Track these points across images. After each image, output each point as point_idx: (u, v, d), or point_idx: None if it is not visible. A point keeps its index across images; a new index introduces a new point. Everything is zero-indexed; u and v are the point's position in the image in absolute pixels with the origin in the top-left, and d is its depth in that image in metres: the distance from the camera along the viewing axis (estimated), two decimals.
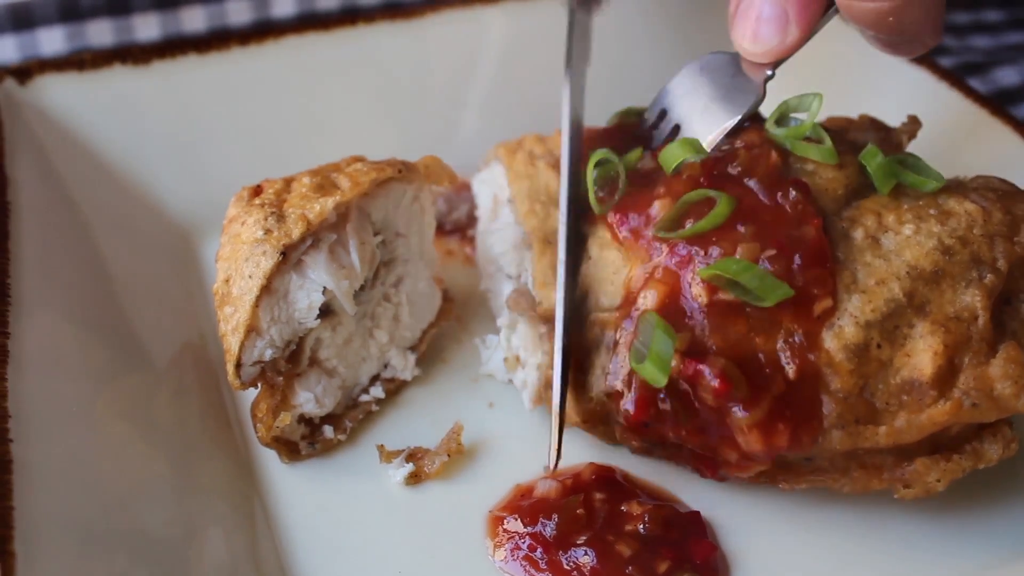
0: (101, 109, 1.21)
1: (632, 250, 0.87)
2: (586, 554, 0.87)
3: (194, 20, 1.45)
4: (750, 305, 0.82)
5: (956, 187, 0.91)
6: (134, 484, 0.87)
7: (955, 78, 1.23)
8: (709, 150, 0.94)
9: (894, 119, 1.05)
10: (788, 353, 0.81)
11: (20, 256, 0.96)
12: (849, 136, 1.00)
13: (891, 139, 1.00)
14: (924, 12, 0.87)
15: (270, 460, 0.99)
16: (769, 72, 0.97)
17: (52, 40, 1.40)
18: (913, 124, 1.03)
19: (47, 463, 0.80)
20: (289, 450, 0.98)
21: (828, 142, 0.90)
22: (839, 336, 0.82)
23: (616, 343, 0.86)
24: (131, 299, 1.08)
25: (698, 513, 0.93)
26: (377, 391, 1.05)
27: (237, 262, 0.93)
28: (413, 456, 0.98)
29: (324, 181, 0.98)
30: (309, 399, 0.98)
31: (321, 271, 0.94)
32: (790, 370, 0.81)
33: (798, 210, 0.85)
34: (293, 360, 0.97)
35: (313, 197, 0.95)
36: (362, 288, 1.01)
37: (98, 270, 1.07)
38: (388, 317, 1.05)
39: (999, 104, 1.20)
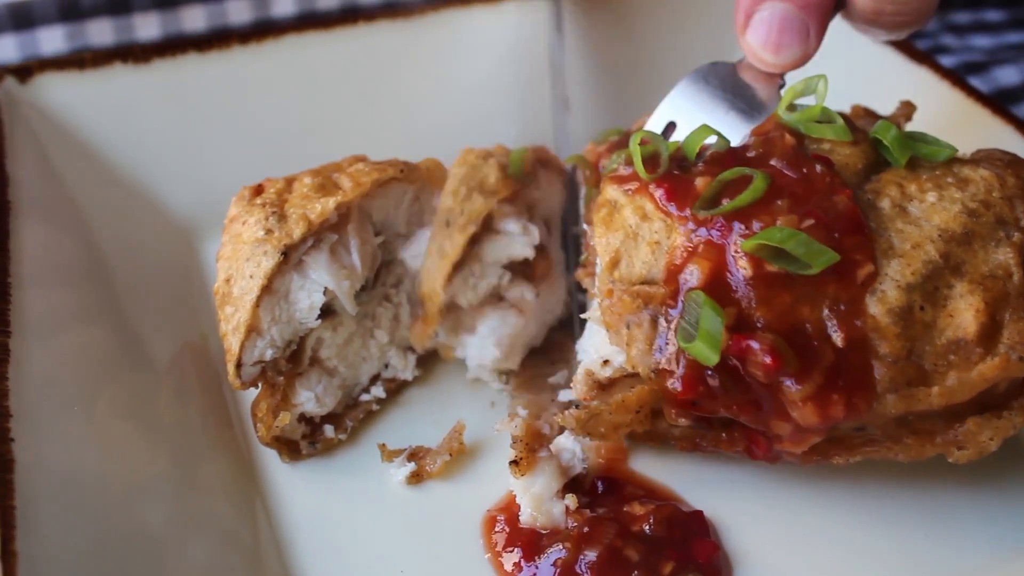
0: (101, 108, 1.21)
1: (676, 221, 0.86)
2: (592, 555, 0.86)
3: (194, 19, 1.45)
4: (794, 275, 0.82)
5: (965, 159, 0.93)
6: (135, 483, 0.87)
7: (956, 77, 1.23)
8: None
9: None
10: (835, 321, 0.82)
11: (20, 255, 0.96)
12: None
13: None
14: (932, 11, 0.91)
15: (271, 459, 0.99)
16: (781, 81, 0.96)
17: (52, 39, 1.40)
18: (907, 107, 1.03)
19: (49, 462, 0.80)
20: (290, 449, 0.98)
21: (840, 120, 0.91)
22: (883, 300, 0.82)
23: (659, 319, 0.86)
24: (132, 298, 1.08)
25: (701, 512, 0.92)
26: (378, 391, 1.05)
27: (238, 262, 0.92)
28: (415, 455, 0.98)
29: (325, 181, 0.98)
30: (310, 398, 0.98)
31: (322, 271, 0.94)
32: (838, 338, 0.81)
33: (826, 183, 0.85)
34: (294, 360, 0.97)
35: (314, 197, 0.95)
36: (363, 288, 1.01)
37: (99, 268, 1.07)
38: (388, 317, 1.05)
39: (1000, 103, 1.20)
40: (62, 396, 0.89)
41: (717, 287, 0.83)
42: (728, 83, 0.97)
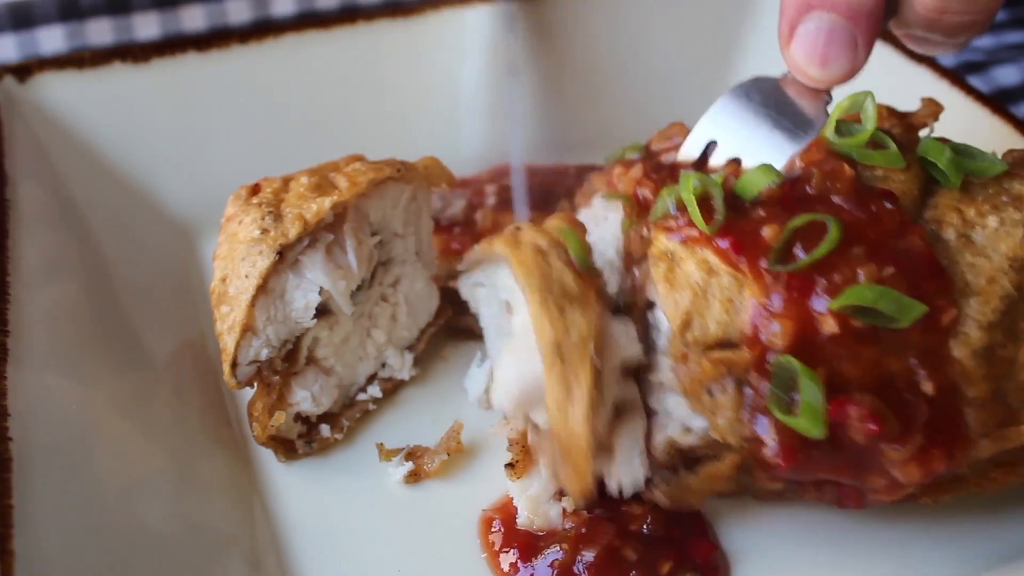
0: (101, 107, 1.21)
1: (751, 277, 0.81)
2: (589, 556, 0.86)
3: (194, 19, 1.45)
4: (879, 329, 0.78)
5: (1010, 171, 0.90)
6: (133, 482, 0.87)
7: (955, 77, 1.23)
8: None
9: None
10: (923, 371, 0.79)
11: (19, 254, 0.96)
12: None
13: (912, 125, 0.97)
14: (996, 12, 0.86)
15: (269, 458, 0.99)
16: (827, 96, 0.91)
17: (52, 39, 1.40)
18: (933, 107, 0.99)
19: (46, 461, 0.80)
20: (286, 449, 0.98)
21: (893, 146, 0.87)
22: (966, 343, 0.80)
23: (745, 386, 0.82)
24: (130, 296, 1.08)
25: (699, 512, 0.92)
26: (375, 390, 1.05)
27: (234, 261, 0.93)
28: (412, 455, 0.98)
29: (322, 180, 0.97)
30: (306, 397, 0.98)
31: (318, 271, 0.95)
32: (928, 388, 0.78)
33: (896, 222, 0.82)
34: (290, 359, 0.97)
35: (311, 197, 0.95)
36: (359, 288, 1.01)
37: (97, 268, 1.07)
38: (386, 317, 1.05)
39: (1000, 103, 1.20)
40: (60, 395, 0.89)
41: (803, 347, 0.79)
42: (772, 99, 0.92)
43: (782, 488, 0.87)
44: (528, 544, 0.89)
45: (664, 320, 0.86)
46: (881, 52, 1.28)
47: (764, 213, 0.83)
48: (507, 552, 0.89)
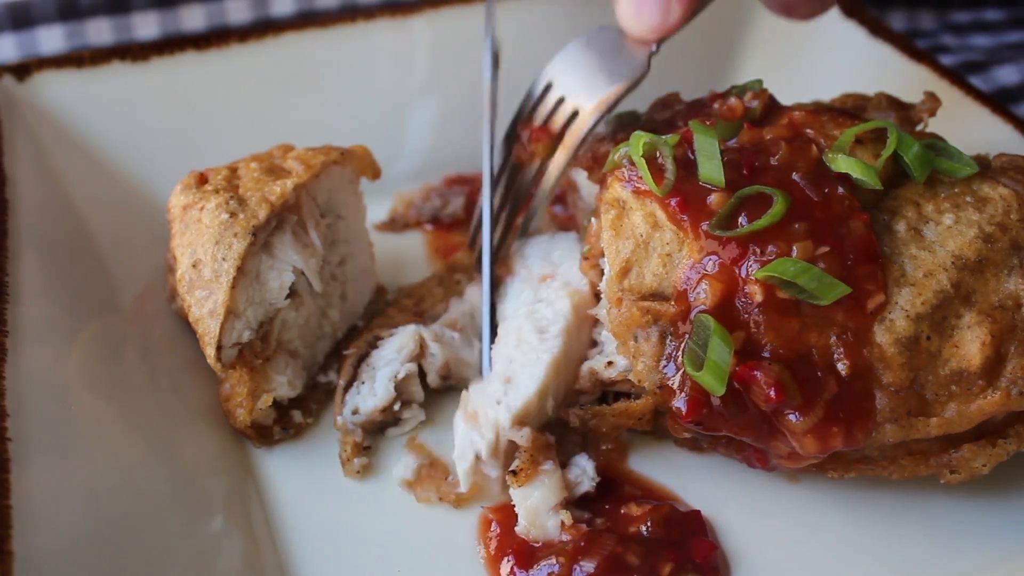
0: (100, 106, 1.20)
1: (692, 237, 0.85)
2: (588, 566, 0.86)
3: (193, 18, 1.45)
4: (805, 303, 0.81)
5: (985, 169, 0.91)
6: (133, 481, 0.87)
7: (956, 76, 1.23)
8: (592, 117, 1.00)
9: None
10: (841, 350, 0.81)
11: (18, 253, 0.96)
12: (867, 115, 0.99)
13: (910, 118, 0.99)
14: None
15: (268, 456, 0.99)
16: (653, 48, 0.99)
17: (51, 39, 1.41)
18: (932, 102, 1.01)
19: (45, 462, 0.80)
20: (262, 435, 0.99)
21: (877, 181, 0.87)
22: (890, 330, 0.82)
23: (668, 337, 0.85)
24: (129, 295, 1.08)
25: (698, 512, 0.92)
26: (333, 375, 1.06)
27: (205, 246, 0.93)
28: (426, 466, 0.98)
29: (271, 166, 1.00)
30: (282, 383, 0.99)
31: (289, 251, 0.97)
32: (843, 367, 0.81)
33: (845, 206, 0.85)
34: (264, 342, 0.98)
35: (268, 180, 0.97)
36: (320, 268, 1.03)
37: (96, 267, 1.07)
38: (336, 295, 1.07)
39: (1000, 103, 1.20)
40: (59, 396, 0.88)
41: (727, 309, 0.83)
42: (605, 47, 1.02)
43: (694, 438, 0.93)
44: (524, 551, 0.88)
45: (607, 265, 0.90)
46: (881, 51, 1.29)
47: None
48: (504, 557, 0.88)
